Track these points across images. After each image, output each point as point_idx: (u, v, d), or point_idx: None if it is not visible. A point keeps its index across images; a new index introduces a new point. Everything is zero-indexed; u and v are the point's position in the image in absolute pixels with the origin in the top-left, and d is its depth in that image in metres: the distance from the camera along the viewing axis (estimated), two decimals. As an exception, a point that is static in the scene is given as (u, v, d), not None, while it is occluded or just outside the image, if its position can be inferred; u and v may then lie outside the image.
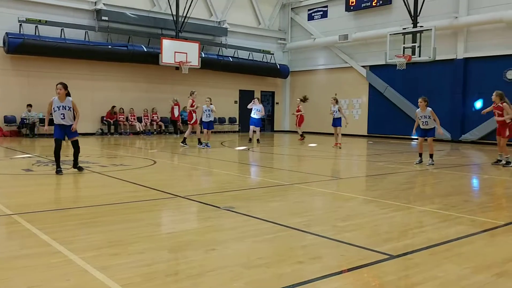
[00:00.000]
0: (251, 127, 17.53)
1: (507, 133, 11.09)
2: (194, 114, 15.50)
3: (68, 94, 8.62)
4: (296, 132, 20.84)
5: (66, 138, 8.97)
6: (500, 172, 10.40)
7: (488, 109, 11.73)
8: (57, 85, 8.59)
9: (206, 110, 14.69)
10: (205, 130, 14.88)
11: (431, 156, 11.01)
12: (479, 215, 5.62)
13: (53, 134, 8.77)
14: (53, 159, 8.69)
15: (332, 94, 20.37)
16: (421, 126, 11.11)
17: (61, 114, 8.51)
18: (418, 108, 11.22)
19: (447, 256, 3.95)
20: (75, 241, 4.22)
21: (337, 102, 16.42)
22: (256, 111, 17.48)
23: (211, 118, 14.82)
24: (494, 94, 11.30)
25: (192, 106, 15.46)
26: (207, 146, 14.83)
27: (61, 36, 18.97)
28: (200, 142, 15.31)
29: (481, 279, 3.42)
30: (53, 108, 8.52)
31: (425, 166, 10.79)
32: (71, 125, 8.62)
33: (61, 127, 8.61)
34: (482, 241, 4.53)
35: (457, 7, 19.40)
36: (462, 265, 3.71)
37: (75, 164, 8.92)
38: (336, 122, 16.25)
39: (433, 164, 10.83)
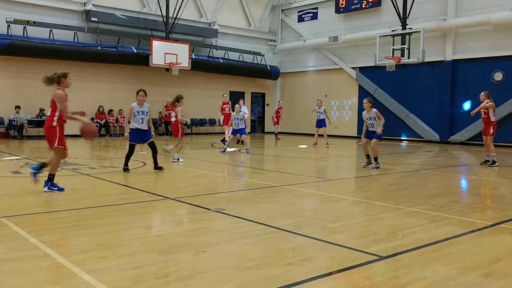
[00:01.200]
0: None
1: (491, 131, 11.33)
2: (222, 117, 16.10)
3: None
4: (285, 133, 20.88)
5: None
6: (487, 172, 10.52)
7: (476, 109, 11.86)
8: (139, 91, 9.45)
9: (235, 119, 14.07)
10: (231, 136, 14.29)
11: (375, 159, 10.44)
12: (467, 216, 5.68)
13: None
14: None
15: (322, 96, 20.52)
16: (369, 129, 10.59)
17: (141, 118, 9.23)
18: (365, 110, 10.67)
19: (435, 257, 3.99)
20: (64, 244, 4.20)
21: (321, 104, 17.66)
22: (243, 113, 17.55)
23: (242, 126, 14.13)
24: (482, 93, 11.57)
25: (222, 109, 15.66)
26: (225, 150, 14.27)
27: (49, 37, 18.84)
28: (223, 142, 15.56)
29: (469, 279, 3.46)
30: (133, 114, 9.21)
31: (370, 169, 10.40)
32: (147, 130, 9.33)
33: (138, 132, 9.26)
34: (470, 241, 4.58)
35: (445, 10, 19.59)
36: (450, 266, 3.74)
37: (156, 165, 9.41)
38: (321, 123, 17.39)
39: (378, 167, 10.31)
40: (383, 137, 10.60)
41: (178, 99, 11.62)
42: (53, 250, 3.94)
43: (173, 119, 12.23)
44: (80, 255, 3.86)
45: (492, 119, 11.36)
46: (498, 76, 18.35)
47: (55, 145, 6.69)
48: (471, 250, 4.26)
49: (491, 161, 11.33)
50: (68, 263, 3.62)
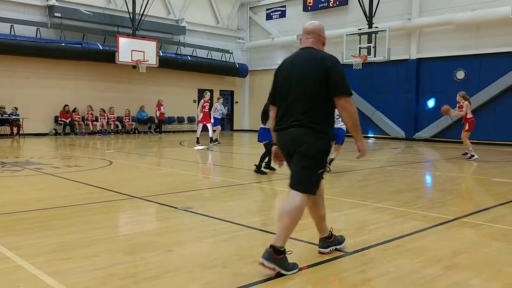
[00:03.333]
0: (218, 127, 17.24)
1: (466, 127, 11.94)
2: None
3: None
4: (254, 131, 20.86)
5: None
6: (450, 168, 10.82)
7: (456, 113, 12.67)
8: None
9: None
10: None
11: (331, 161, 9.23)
12: (430, 211, 5.82)
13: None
14: (13, 160, 8.38)
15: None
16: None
17: None
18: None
19: (400, 251, 4.07)
20: (25, 246, 4.07)
21: None
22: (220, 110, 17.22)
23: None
24: (458, 95, 12.18)
25: (203, 107, 15.99)
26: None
27: (10, 33, 18.24)
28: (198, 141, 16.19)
29: (431, 272, 3.54)
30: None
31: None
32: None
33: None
34: (433, 235, 4.69)
35: (410, 9, 20.03)
36: (413, 260, 3.83)
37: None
38: None
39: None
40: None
41: None
42: (13, 253, 3.81)
43: None
44: (42, 257, 3.75)
45: (468, 116, 11.91)
46: (460, 75, 18.90)
47: None
48: (434, 244, 4.36)
49: (469, 156, 11.82)
50: (29, 266, 3.51)
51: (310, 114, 3.54)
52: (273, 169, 9.35)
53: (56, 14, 19.51)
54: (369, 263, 3.77)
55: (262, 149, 9.37)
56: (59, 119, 20.29)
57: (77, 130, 20.75)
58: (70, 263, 3.62)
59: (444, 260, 3.82)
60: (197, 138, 16.22)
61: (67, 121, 20.28)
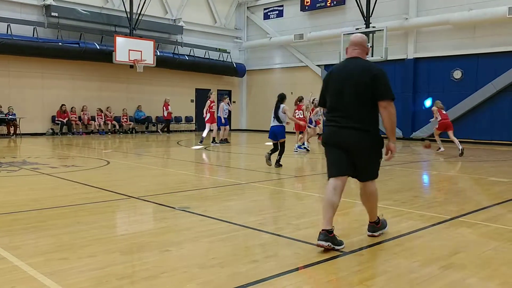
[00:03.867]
0: (226, 127, 17.19)
1: (437, 126, 14.01)
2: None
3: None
4: (252, 130, 20.85)
5: None
6: (447, 168, 10.83)
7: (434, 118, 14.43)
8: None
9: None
10: None
11: None
12: (427, 210, 5.83)
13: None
14: (10, 160, 8.34)
15: (288, 93, 20.57)
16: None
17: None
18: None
19: (397, 251, 4.07)
20: (22, 246, 4.05)
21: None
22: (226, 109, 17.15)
23: None
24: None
25: (210, 107, 16.04)
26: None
27: (7, 32, 18.18)
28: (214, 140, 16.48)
29: (429, 271, 3.54)
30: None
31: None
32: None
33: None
34: (430, 235, 4.70)
35: (407, 9, 20.06)
36: (411, 259, 3.83)
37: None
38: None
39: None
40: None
41: (300, 99, 14.01)
42: (9, 253, 3.80)
43: (300, 116, 13.92)
44: (38, 257, 3.74)
45: (438, 118, 13.86)
46: (457, 74, 18.94)
47: None
48: (431, 243, 4.37)
49: (441, 149, 13.93)
50: (26, 266, 3.50)
51: (361, 117, 4.13)
52: (270, 161, 9.96)
53: (53, 14, 19.46)
54: (366, 263, 3.77)
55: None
56: (56, 118, 20.23)
57: (74, 130, 20.70)
58: (67, 263, 3.61)
59: (441, 260, 3.82)
60: (202, 138, 16.05)
61: (64, 120, 20.23)
